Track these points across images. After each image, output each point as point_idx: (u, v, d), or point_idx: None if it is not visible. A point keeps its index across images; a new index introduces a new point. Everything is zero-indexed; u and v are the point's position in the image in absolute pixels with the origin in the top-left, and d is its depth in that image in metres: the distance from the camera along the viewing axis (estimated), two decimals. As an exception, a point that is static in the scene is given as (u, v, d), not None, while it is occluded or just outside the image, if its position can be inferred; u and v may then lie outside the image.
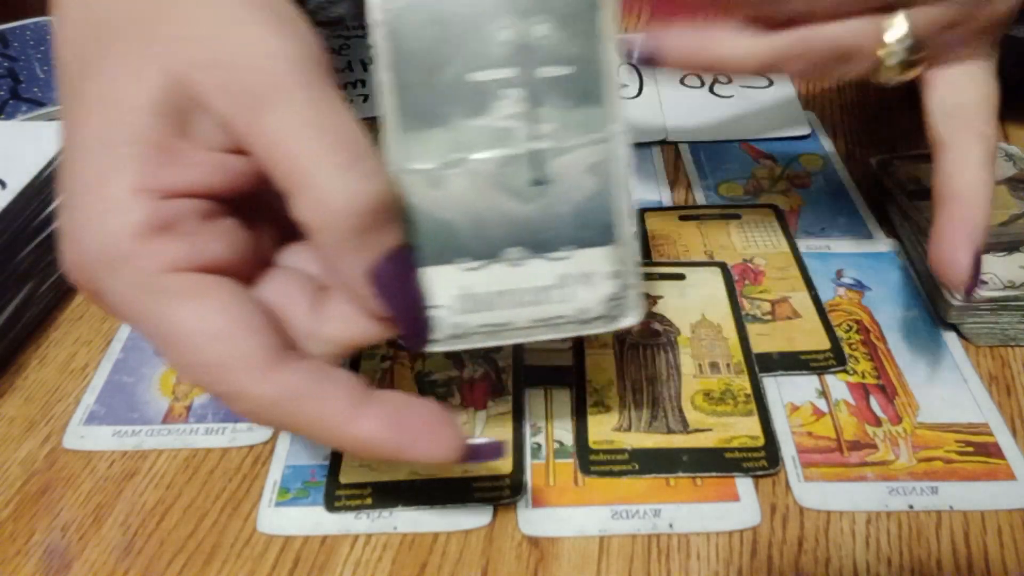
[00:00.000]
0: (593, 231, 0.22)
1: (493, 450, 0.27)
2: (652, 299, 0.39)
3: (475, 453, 0.25)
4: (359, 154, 0.22)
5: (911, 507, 0.31)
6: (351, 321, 0.25)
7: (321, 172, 0.21)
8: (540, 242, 0.22)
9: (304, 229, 0.22)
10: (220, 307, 0.23)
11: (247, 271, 0.25)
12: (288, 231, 0.25)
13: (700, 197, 0.47)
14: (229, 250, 0.24)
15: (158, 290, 0.22)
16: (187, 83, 0.22)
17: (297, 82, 0.22)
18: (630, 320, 0.24)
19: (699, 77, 0.56)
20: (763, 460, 0.32)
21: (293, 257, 0.26)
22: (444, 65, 0.22)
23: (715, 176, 0.48)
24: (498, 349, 0.37)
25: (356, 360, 0.37)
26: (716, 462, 0.32)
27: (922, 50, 0.31)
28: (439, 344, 0.24)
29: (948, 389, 0.35)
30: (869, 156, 0.48)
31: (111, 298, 0.23)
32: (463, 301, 0.23)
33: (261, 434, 0.35)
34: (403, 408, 0.24)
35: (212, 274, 0.23)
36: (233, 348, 0.22)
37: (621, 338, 0.37)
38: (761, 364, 0.36)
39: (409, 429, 0.24)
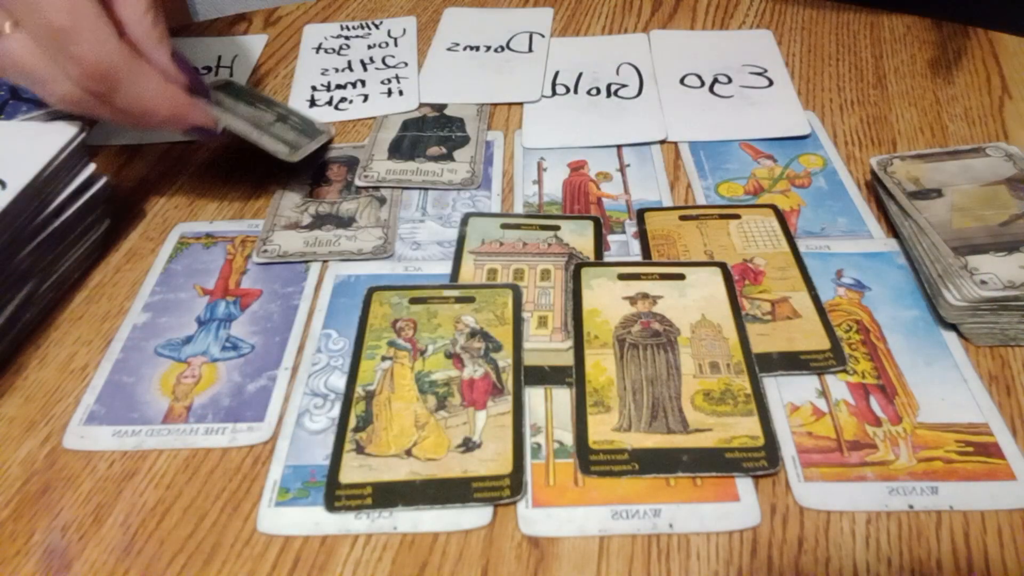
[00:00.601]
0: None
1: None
2: (652, 299, 0.39)
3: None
4: None
5: (911, 507, 0.31)
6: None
7: None
8: (449, 149, 0.49)
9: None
10: None
11: None
12: None
13: (700, 197, 0.47)
14: None
15: None
16: None
17: None
18: (473, 186, 0.48)
19: (699, 77, 0.56)
20: (763, 460, 0.32)
21: None
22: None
23: (715, 176, 0.48)
24: (494, 344, 0.37)
25: (356, 360, 0.37)
26: (716, 462, 0.32)
27: None
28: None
29: (948, 389, 0.35)
30: (869, 156, 0.48)
31: None
32: (393, 168, 0.48)
33: (261, 434, 0.35)
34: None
35: None
36: (92, 7, 0.35)
37: (621, 338, 0.37)
38: (761, 364, 0.36)
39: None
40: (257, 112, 0.48)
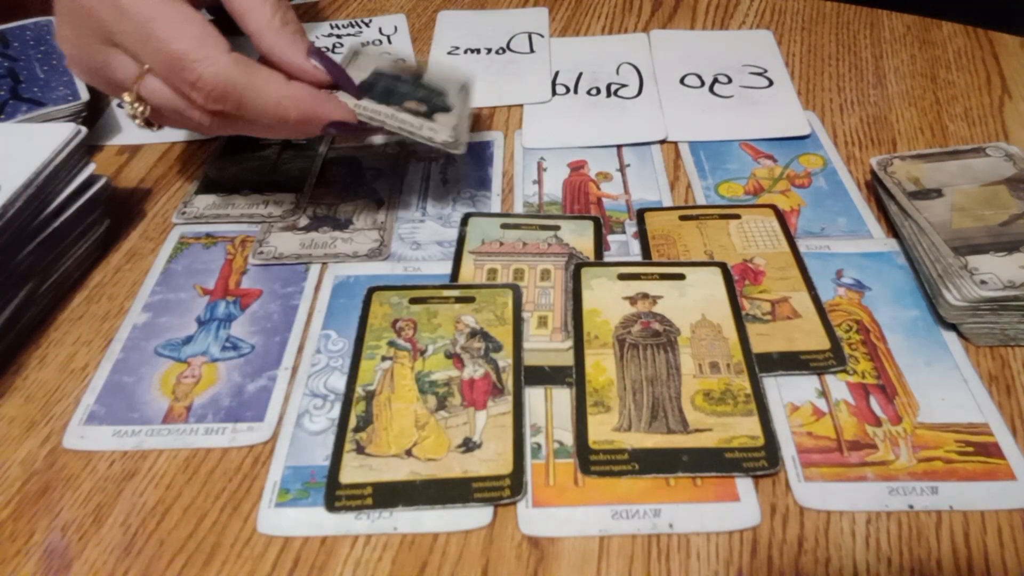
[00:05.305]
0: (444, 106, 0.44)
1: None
2: (652, 299, 0.39)
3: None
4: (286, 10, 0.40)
5: (911, 507, 0.31)
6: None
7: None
8: (428, 110, 0.43)
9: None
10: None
11: None
12: None
13: (700, 197, 0.47)
14: None
15: None
16: None
17: None
18: (457, 149, 0.42)
19: (699, 77, 0.56)
20: (763, 460, 0.32)
21: None
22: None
23: (715, 176, 0.48)
24: (494, 344, 0.37)
25: (356, 360, 0.37)
26: (716, 462, 0.32)
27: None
28: (359, 106, 0.41)
29: (948, 389, 0.35)
30: (869, 156, 0.48)
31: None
32: (364, 104, 0.41)
33: (261, 434, 0.35)
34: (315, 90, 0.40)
35: None
36: (204, 29, 0.36)
37: (621, 338, 0.37)
38: (761, 364, 0.36)
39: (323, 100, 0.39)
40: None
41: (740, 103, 0.54)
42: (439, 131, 0.42)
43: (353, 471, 0.32)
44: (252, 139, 0.50)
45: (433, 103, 0.44)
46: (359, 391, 0.35)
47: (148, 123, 0.40)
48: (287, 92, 0.38)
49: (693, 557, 0.30)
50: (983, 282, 0.36)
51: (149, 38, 0.36)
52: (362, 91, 0.42)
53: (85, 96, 0.51)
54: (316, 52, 0.39)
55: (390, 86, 0.44)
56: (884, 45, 0.60)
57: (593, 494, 0.32)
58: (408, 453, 0.33)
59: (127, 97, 0.39)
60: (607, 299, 0.39)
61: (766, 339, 0.37)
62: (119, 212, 0.47)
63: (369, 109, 0.41)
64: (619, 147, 0.51)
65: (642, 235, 0.44)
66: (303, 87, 0.38)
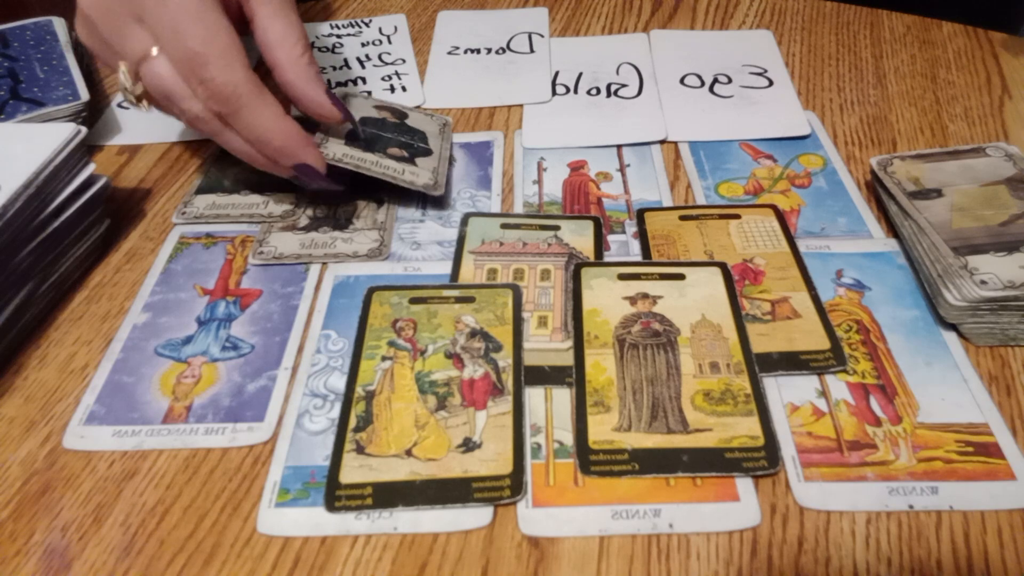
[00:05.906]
0: (429, 171, 0.47)
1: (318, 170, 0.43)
2: (652, 299, 0.39)
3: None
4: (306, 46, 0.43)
5: (911, 507, 0.31)
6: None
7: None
8: (410, 154, 0.47)
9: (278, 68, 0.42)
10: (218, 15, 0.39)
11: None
12: None
13: (700, 197, 0.47)
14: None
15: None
16: None
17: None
18: (436, 192, 0.46)
19: (699, 77, 0.56)
20: (763, 460, 0.32)
21: None
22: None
23: (715, 176, 0.48)
24: (494, 344, 0.37)
25: (356, 360, 0.37)
26: (716, 462, 0.32)
27: None
28: (347, 154, 0.45)
29: (948, 389, 0.35)
30: (869, 156, 0.48)
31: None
32: (351, 153, 0.45)
33: (261, 434, 0.35)
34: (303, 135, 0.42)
35: None
36: (231, 42, 0.39)
37: (621, 338, 0.37)
38: (761, 364, 0.36)
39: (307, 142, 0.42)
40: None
41: (740, 103, 0.54)
42: (420, 175, 0.46)
43: (353, 471, 0.32)
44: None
45: (415, 147, 0.48)
46: (359, 391, 0.35)
47: (138, 99, 0.42)
48: (281, 122, 0.40)
49: (693, 557, 0.30)
50: (983, 282, 0.36)
51: (179, 32, 0.38)
52: (349, 138, 0.46)
53: (85, 96, 0.51)
54: (331, 94, 0.43)
55: (376, 132, 0.48)
56: (884, 45, 0.60)
57: (593, 494, 0.32)
58: (408, 453, 0.33)
59: (123, 67, 0.41)
60: (607, 299, 0.39)
61: (766, 339, 0.37)
62: (119, 212, 0.47)
63: (355, 157, 0.44)
64: (619, 147, 0.51)
65: (642, 235, 0.44)
66: (295, 125, 0.41)
